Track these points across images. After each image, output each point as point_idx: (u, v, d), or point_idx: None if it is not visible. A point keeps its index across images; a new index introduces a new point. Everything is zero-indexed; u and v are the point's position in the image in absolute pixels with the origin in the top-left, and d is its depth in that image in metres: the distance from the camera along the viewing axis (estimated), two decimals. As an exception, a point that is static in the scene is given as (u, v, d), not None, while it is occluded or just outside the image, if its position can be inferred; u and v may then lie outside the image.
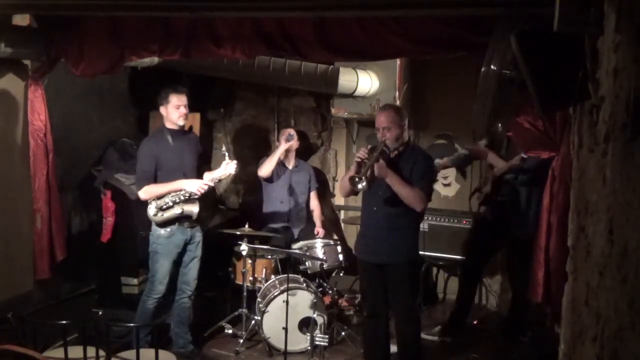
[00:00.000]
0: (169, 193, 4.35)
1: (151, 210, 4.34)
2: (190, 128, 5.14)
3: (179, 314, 4.59)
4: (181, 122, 4.43)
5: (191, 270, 4.56)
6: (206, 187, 4.42)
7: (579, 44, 2.02)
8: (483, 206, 5.14)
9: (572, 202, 2.54)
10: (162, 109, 4.41)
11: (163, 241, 4.38)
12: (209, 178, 4.48)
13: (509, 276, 5.28)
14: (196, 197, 4.41)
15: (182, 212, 4.38)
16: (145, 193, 4.34)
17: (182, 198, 4.37)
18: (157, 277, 4.40)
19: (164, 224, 4.37)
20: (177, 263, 4.49)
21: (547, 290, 3.64)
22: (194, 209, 4.43)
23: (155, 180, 4.37)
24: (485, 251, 5.18)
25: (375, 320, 4.16)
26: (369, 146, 3.98)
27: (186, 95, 4.41)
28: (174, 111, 4.38)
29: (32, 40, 4.28)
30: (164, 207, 4.35)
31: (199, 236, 4.57)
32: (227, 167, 4.49)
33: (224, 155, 4.59)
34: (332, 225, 6.54)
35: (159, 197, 4.34)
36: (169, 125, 4.43)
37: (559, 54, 2.21)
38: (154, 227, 4.42)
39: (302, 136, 5.98)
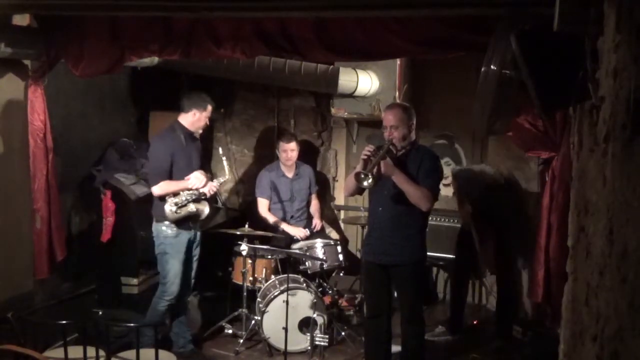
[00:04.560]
0: (182, 191, 4.38)
1: (168, 207, 4.34)
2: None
3: (179, 314, 4.60)
4: (200, 131, 4.56)
5: (192, 271, 4.59)
6: (215, 189, 4.51)
7: (579, 44, 2.02)
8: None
9: (572, 202, 2.54)
10: (192, 112, 4.44)
11: (171, 241, 4.39)
12: (215, 181, 4.57)
13: (497, 274, 5.34)
14: (205, 197, 4.47)
15: (196, 210, 4.43)
16: (160, 189, 4.35)
17: (194, 197, 4.40)
18: (169, 278, 4.39)
19: (172, 223, 4.37)
20: (185, 262, 4.49)
21: (547, 290, 3.64)
22: (205, 208, 4.50)
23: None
24: (472, 249, 5.24)
25: (377, 322, 4.15)
26: (372, 146, 3.96)
27: None
28: (204, 120, 4.50)
29: (32, 40, 4.27)
30: (180, 204, 4.36)
31: (199, 236, 4.61)
32: (227, 172, 4.66)
33: (223, 157, 4.66)
34: (331, 225, 6.54)
35: (174, 195, 4.36)
36: (189, 127, 4.47)
37: (559, 54, 2.21)
38: (159, 227, 4.40)
39: (301, 143, 5.96)
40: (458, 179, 5.32)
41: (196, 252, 4.60)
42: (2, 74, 4.29)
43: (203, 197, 4.47)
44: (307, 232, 5.61)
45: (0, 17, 4.03)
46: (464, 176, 5.27)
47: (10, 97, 4.37)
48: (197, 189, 4.40)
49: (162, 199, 4.35)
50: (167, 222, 4.37)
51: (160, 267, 4.45)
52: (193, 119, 4.46)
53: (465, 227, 5.24)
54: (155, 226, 4.44)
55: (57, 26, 4.25)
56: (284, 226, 5.59)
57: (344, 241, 6.28)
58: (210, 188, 4.46)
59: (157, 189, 4.35)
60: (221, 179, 4.61)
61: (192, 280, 4.63)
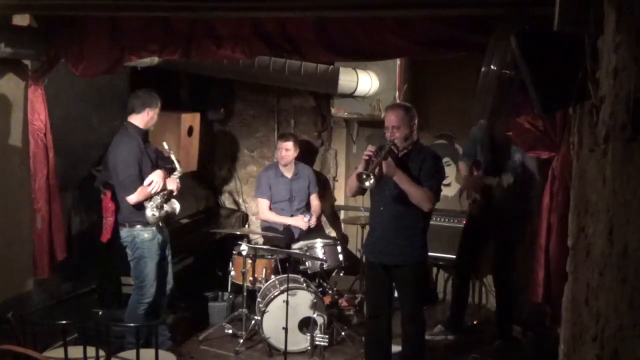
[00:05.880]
0: (157, 194, 4.35)
1: (150, 212, 4.32)
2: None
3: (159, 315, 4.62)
4: (151, 129, 4.54)
5: (168, 269, 4.60)
6: (178, 184, 4.49)
7: (579, 44, 2.02)
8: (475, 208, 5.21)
9: (572, 202, 2.54)
10: (146, 111, 4.39)
11: (148, 244, 4.37)
12: (177, 176, 4.51)
13: (493, 274, 5.34)
14: (173, 195, 4.47)
15: (171, 210, 4.44)
16: (138, 196, 4.30)
17: (166, 197, 4.40)
18: (148, 281, 4.39)
19: (145, 226, 4.36)
20: (160, 263, 4.49)
21: (547, 290, 3.64)
22: (176, 206, 4.49)
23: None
24: (475, 249, 5.24)
25: (377, 322, 4.15)
26: (373, 146, 3.95)
27: None
28: (156, 118, 4.46)
29: (32, 40, 4.27)
30: (158, 207, 4.35)
31: (168, 234, 4.59)
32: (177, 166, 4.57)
33: (170, 153, 4.53)
34: (332, 225, 6.54)
35: (150, 198, 4.33)
36: (143, 127, 4.43)
37: (559, 54, 2.21)
38: (134, 233, 4.36)
39: (300, 143, 5.96)
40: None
41: (168, 250, 4.60)
42: (2, 74, 4.28)
43: (172, 195, 4.47)
44: (306, 219, 5.65)
45: (0, 17, 4.03)
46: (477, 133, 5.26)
47: (10, 97, 4.37)
48: (164, 188, 4.38)
49: (140, 205, 4.33)
50: (139, 227, 4.35)
51: (137, 272, 4.40)
52: (147, 119, 4.41)
53: (473, 222, 5.21)
54: (127, 232, 4.38)
55: (57, 26, 4.25)
56: (285, 220, 5.61)
57: (343, 241, 6.28)
58: (176, 184, 4.45)
59: (135, 197, 4.29)
60: (177, 174, 4.51)
61: (170, 277, 4.61)
